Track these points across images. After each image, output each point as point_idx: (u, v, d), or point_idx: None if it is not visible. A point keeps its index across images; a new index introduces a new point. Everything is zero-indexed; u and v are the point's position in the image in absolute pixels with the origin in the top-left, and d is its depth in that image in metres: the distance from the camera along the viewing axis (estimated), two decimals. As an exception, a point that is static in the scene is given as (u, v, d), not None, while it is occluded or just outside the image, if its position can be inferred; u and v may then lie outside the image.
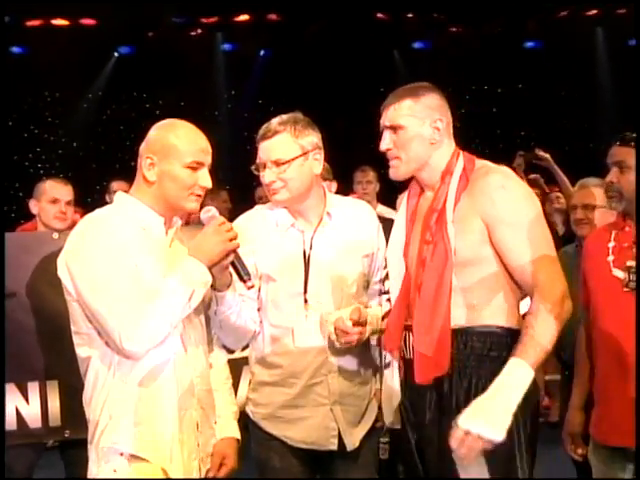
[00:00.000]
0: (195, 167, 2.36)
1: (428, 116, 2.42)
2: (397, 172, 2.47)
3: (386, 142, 2.45)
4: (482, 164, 2.45)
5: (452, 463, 2.27)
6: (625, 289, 2.71)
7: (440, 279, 2.32)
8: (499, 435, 2.08)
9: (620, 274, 2.75)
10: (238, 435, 2.58)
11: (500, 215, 2.31)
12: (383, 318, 2.62)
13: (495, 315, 2.35)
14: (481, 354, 2.33)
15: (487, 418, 2.09)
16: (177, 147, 2.34)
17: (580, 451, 3.04)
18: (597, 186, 3.55)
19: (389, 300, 2.55)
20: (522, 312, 2.41)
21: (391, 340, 2.49)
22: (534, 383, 2.41)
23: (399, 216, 2.58)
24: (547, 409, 5.01)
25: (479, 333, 2.33)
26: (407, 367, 2.43)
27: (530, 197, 2.39)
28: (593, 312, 2.86)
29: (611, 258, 2.80)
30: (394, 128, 2.43)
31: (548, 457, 3.17)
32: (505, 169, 2.44)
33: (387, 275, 2.60)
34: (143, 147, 2.39)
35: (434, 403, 2.37)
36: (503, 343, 2.32)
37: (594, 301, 2.84)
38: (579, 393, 3.04)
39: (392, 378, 2.51)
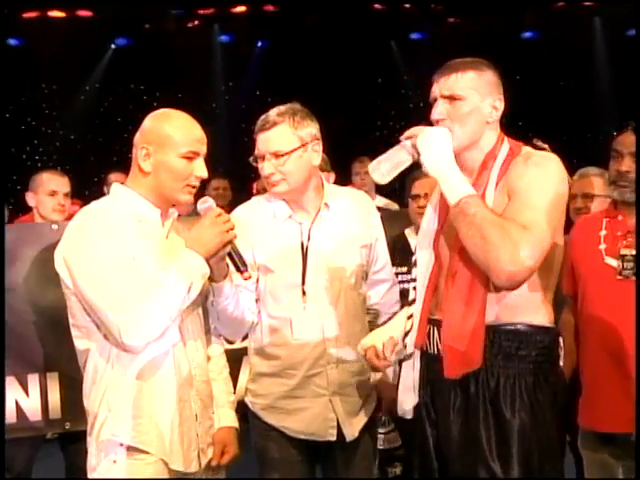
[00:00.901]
0: (191, 157, 2.35)
1: (489, 94, 2.29)
2: None
3: (439, 111, 2.27)
4: (528, 150, 2.30)
5: (474, 464, 2.21)
6: (618, 277, 2.72)
7: (478, 269, 2.17)
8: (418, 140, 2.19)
9: (613, 262, 2.74)
10: (236, 424, 2.59)
11: (521, 186, 2.16)
12: (409, 318, 2.51)
13: (526, 312, 2.23)
14: (509, 353, 2.21)
15: (432, 139, 2.18)
16: (172, 137, 2.33)
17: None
18: (597, 175, 3.55)
19: (415, 288, 2.45)
20: None
21: (420, 335, 2.37)
22: (563, 386, 2.34)
23: (433, 201, 2.46)
24: None
25: (507, 331, 2.22)
26: (430, 362, 2.35)
27: (562, 183, 2.21)
28: (582, 300, 2.85)
29: (603, 246, 2.79)
30: (452, 98, 2.26)
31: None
32: (549, 154, 2.28)
33: (415, 262, 2.48)
34: (138, 137, 2.38)
35: (459, 403, 2.26)
36: (532, 341, 2.23)
37: (584, 289, 2.84)
38: None
39: (412, 370, 2.42)
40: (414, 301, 2.45)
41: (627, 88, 8.68)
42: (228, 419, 2.56)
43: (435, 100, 2.30)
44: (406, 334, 2.47)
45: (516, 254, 2.07)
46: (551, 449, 2.24)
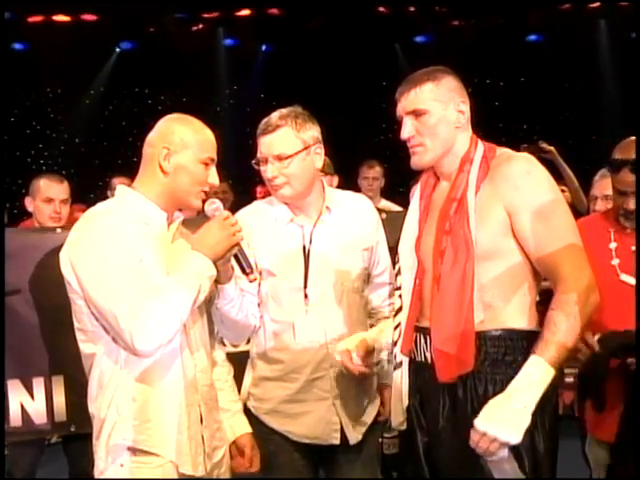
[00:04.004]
0: (208, 163, 2.37)
1: (451, 99, 2.29)
2: (422, 159, 2.32)
3: (408, 129, 2.30)
4: (503, 151, 2.32)
5: (463, 469, 2.20)
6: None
7: (462, 271, 2.19)
8: (516, 437, 2.01)
9: (630, 280, 2.67)
10: (250, 429, 2.65)
11: (524, 202, 2.18)
12: (396, 327, 2.50)
13: (512, 316, 2.23)
14: (496, 359, 2.21)
15: (504, 420, 2.02)
16: (195, 142, 2.35)
17: None
18: None
19: (401, 296, 2.44)
20: None
21: (407, 342, 2.38)
22: (552, 390, 2.25)
23: (412, 208, 2.47)
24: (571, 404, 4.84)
25: (493, 337, 2.22)
26: (418, 370, 2.35)
27: (553, 184, 2.24)
28: (598, 314, 2.76)
29: (616, 262, 2.74)
30: (416, 113, 2.29)
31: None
32: (527, 155, 2.28)
33: (399, 270, 2.47)
34: (156, 138, 2.37)
35: (447, 410, 2.25)
36: (518, 347, 2.21)
37: (598, 306, 2.76)
38: None
39: (402, 379, 2.42)
40: (400, 309, 2.44)
41: (632, 90, 8.66)
42: (244, 426, 2.63)
43: (401, 119, 2.33)
44: (395, 343, 2.46)
45: (588, 291, 2.12)
46: (539, 455, 2.20)
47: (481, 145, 2.33)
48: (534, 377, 2.05)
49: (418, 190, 2.47)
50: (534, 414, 2.06)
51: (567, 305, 2.09)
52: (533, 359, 2.07)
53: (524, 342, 2.22)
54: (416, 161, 2.34)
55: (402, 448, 2.48)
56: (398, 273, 2.48)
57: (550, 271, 2.18)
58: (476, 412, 2.15)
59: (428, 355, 2.29)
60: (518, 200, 2.19)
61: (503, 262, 2.22)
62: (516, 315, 2.24)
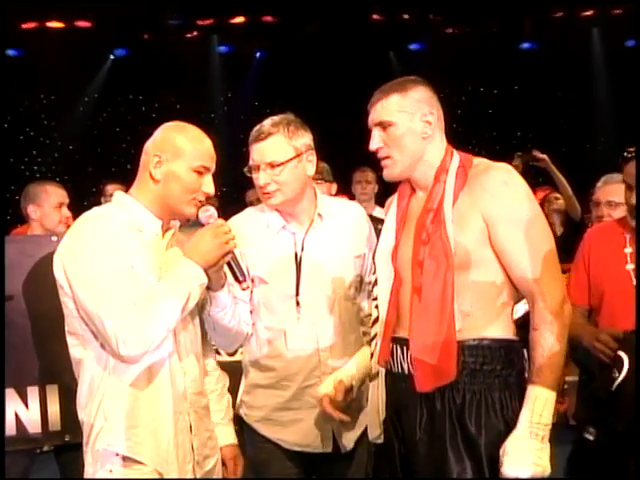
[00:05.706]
0: (201, 172, 2.37)
1: (418, 110, 2.28)
2: (391, 172, 2.33)
3: (376, 141, 2.31)
4: (480, 161, 2.32)
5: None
6: None
7: (443, 282, 2.19)
8: (547, 468, 2.07)
9: None
10: (234, 440, 2.62)
11: (502, 213, 2.19)
12: (371, 340, 2.52)
13: (489, 325, 2.23)
14: (474, 369, 2.21)
15: (529, 462, 2.05)
16: (187, 149, 2.35)
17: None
18: (621, 182, 3.49)
19: (377, 307, 2.43)
20: (516, 316, 2.33)
21: (383, 353, 2.37)
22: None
23: (388, 219, 2.46)
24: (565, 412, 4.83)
25: (471, 346, 2.22)
26: (394, 381, 2.34)
27: (531, 195, 2.26)
28: (608, 318, 2.78)
29: (631, 267, 2.74)
30: (383, 125, 2.29)
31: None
32: (506, 165, 2.30)
33: (376, 281, 2.46)
34: (150, 145, 2.38)
35: (425, 421, 2.24)
36: (496, 356, 2.22)
37: (610, 310, 2.77)
38: None
39: (379, 391, 2.42)
40: (377, 321, 2.43)
41: (625, 99, 8.69)
42: (227, 437, 2.59)
43: (371, 130, 2.33)
44: (372, 355, 2.45)
45: (563, 304, 2.18)
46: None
47: (457, 155, 2.33)
48: (538, 409, 2.10)
49: (395, 201, 2.46)
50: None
51: (548, 323, 2.14)
52: (532, 390, 2.12)
53: (502, 351, 2.23)
54: (386, 174, 2.35)
55: (378, 459, 2.46)
56: (375, 284, 2.47)
57: (524, 283, 2.21)
58: (454, 423, 2.19)
59: (405, 366, 2.29)
60: (495, 211, 2.20)
61: (481, 271, 2.23)
62: (494, 324, 2.24)
